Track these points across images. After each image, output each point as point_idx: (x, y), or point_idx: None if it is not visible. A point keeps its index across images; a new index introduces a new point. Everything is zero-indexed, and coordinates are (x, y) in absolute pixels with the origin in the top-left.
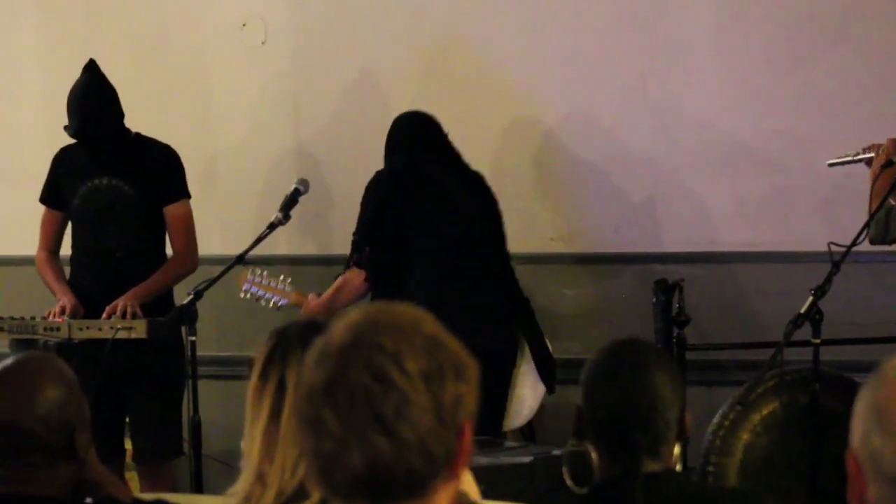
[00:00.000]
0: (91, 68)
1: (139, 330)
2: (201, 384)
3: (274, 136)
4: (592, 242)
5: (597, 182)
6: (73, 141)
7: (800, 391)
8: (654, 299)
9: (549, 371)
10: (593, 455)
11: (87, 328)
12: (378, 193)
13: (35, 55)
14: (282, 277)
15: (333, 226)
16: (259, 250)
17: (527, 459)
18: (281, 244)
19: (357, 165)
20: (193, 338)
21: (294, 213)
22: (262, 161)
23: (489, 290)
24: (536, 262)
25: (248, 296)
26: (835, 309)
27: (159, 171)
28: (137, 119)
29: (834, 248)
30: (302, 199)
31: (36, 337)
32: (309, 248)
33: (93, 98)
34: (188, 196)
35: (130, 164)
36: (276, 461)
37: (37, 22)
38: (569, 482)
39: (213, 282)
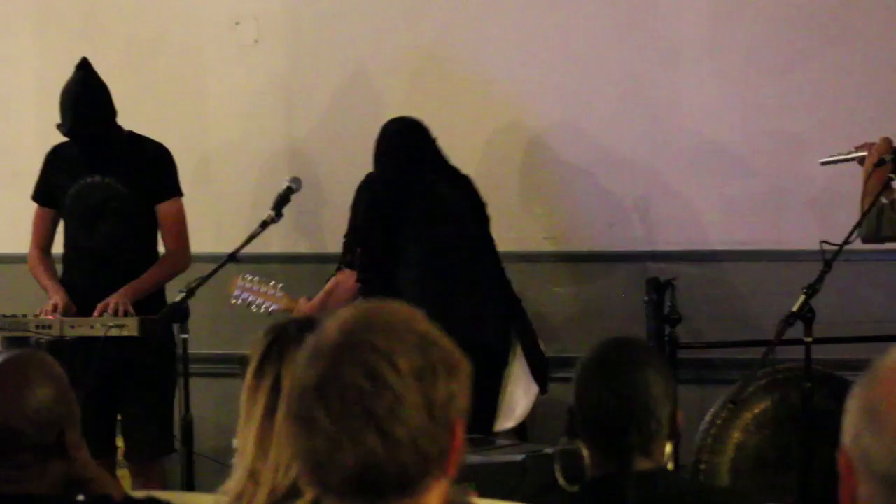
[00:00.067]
0: (84, 66)
1: (131, 328)
2: (193, 382)
3: (267, 134)
4: (585, 241)
5: (589, 181)
6: (65, 139)
7: (792, 390)
8: (647, 298)
9: (541, 371)
10: (585, 453)
11: (79, 326)
12: (368, 194)
13: (30, 54)
14: (272, 283)
15: (326, 224)
16: (251, 248)
17: (519, 458)
18: (273, 242)
19: (349, 164)
20: (185, 335)
21: (286, 211)
22: (254, 159)
23: (483, 288)
24: (529, 261)
25: (240, 302)
26: (827, 307)
27: (152, 168)
28: (130, 117)
29: (826, 246)
30: (294, 197)
31: (28, 334)
32: (301, 247)
33: (85, 96)
34: (180, 194)
35: (123, 162)
36: (270, 459)
37: (32, 21)
38: (561, 480)
39: (205, 280)
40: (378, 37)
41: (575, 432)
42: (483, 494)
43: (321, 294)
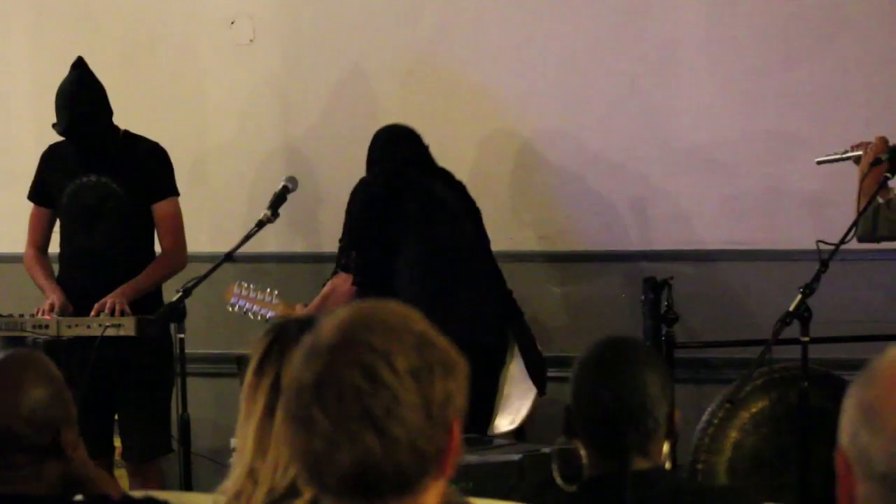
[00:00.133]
0: (79, 65)
1: (128, 327)
2: (190, 382)
3: (262, 133)
4: (581, 241)
5: (586, 180)
6: (61, 138)
7: (789, 389)
8: (643, 297)
9: (539, 372)
10: (582, 453)
11: (76, 326)
12: (364, 196)
13: (25, 54)
14: (268, 290)
15: (322, 223)
16: (248, 248)
17: (516, 457)
18: (270, 242)
19: (346, 163)
20: (182, 335)
21: (283, 210)
22: (250, 159)
23: (480, 288)
24: (525, 260)
25: (236, 309)
26: (823, 307)
27: (148, 168)
28: (126, 117)
29: (822, 246)
30: (291, 196)
31: (24, 334)
32: (298, 246)
33: (81, 95)
34: (177, 193)
35: (119, 161)
36: (269, 458)
37: (28, 21)
38: (558, 480)
39: (201, 279)
40: (374, 36)
41: (572, 432)
42: (480, 494)
43: (317, 299)
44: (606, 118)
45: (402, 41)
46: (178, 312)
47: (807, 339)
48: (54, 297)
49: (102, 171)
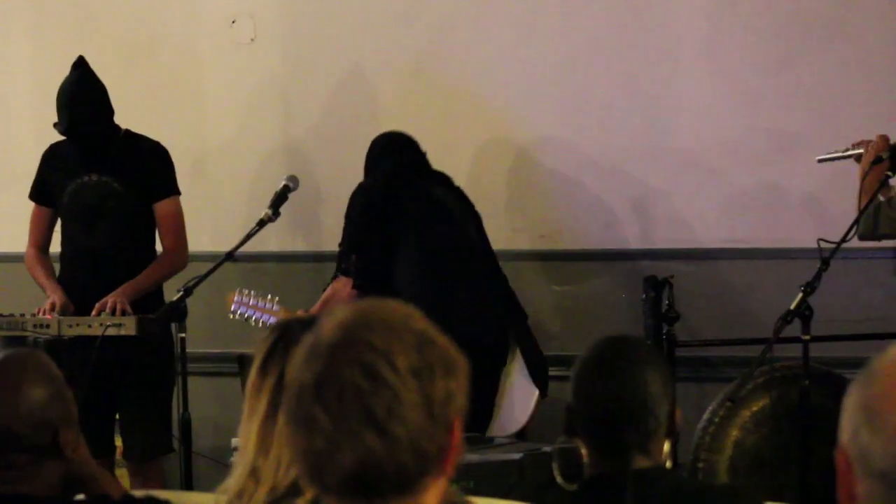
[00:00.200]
0: (80, 65)
1: (129, 327)
2: (191, 381)
3: (263, 132)
4: (582, 239)
5: (587, 178)
6: (62, 138)
7: (790, 387)
8: (644, 296)
9: (541, 373)
10: (583, 452)
11: (77, 325)
12: (363, 199)
13: (26, 54)
14: (269, 297)
15: (323, 223)
16: (249, 247)
17: (517, 456)
18: (271, 241)
19: (347, 162)
20: (183, 334)
21: (284, 209)
22: (251, 158)
23: (480, 287)
24: (526, 259)
25: (237, 316)
26: (824, 305)
27: (149, 167)
28: (127, 116)
29: (823, 244)
30: (291, 195)
31: (25, 334)
32: (298, 245)
33: (82, 95)
34: (178, 193)
35: (120, 160)
36: (271, 457)
37: (28, 21)
38: (559, 479)
39: (202, 278)
40: (374, 36)
41: (573, 430)
42: (481, 493)
43: (318, 304)
44: (607, 118)
45: (402, 41)
46: (179, 312)
47: (808, 337)
48: (55, 296)
49: (103, 170)
